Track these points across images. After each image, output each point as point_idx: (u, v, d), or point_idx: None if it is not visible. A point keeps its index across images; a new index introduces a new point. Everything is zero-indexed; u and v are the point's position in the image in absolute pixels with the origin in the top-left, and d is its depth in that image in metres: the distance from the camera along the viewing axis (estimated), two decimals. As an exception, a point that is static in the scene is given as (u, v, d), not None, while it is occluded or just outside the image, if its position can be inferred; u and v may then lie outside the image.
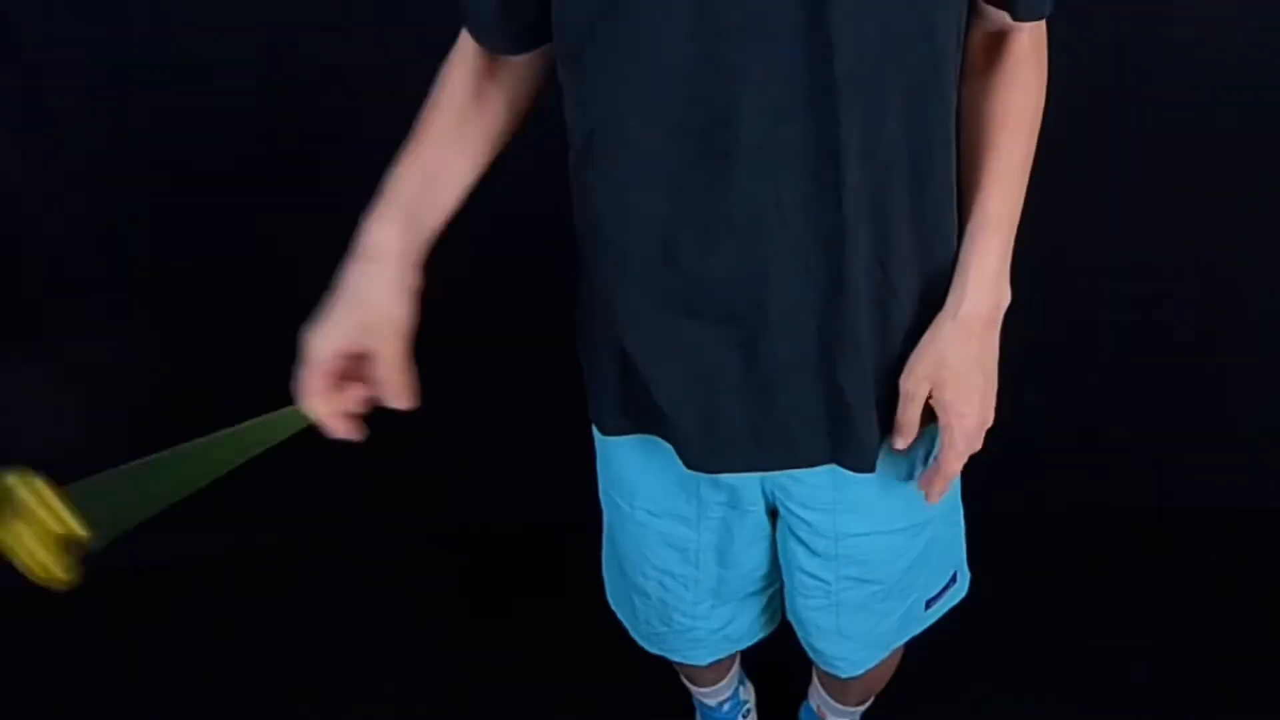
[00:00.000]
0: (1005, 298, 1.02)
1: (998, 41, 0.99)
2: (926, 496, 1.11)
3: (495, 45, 1.01)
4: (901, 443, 1.06)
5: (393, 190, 1.01)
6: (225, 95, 1.68)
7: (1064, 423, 1.99)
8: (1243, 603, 1.96)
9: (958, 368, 1.01)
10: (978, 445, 1.06)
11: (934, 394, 1.03)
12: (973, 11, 0.96)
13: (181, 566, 2.09)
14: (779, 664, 1.83)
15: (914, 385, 1.03)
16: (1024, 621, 1.95)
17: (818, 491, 1.15)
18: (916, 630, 1.35)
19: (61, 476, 2.26)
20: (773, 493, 1.19)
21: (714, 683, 1.68)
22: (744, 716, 1.80)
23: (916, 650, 1.57)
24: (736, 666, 1.72)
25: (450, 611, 2.07)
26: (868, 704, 1.68)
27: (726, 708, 1.75)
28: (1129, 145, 1.76)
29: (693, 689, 1.72)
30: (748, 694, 1.81)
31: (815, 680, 1.68)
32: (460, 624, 2.04)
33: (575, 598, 1.61)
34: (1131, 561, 2.04)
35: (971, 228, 1.00)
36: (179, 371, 1.94)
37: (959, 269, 1.01)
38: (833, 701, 1.66)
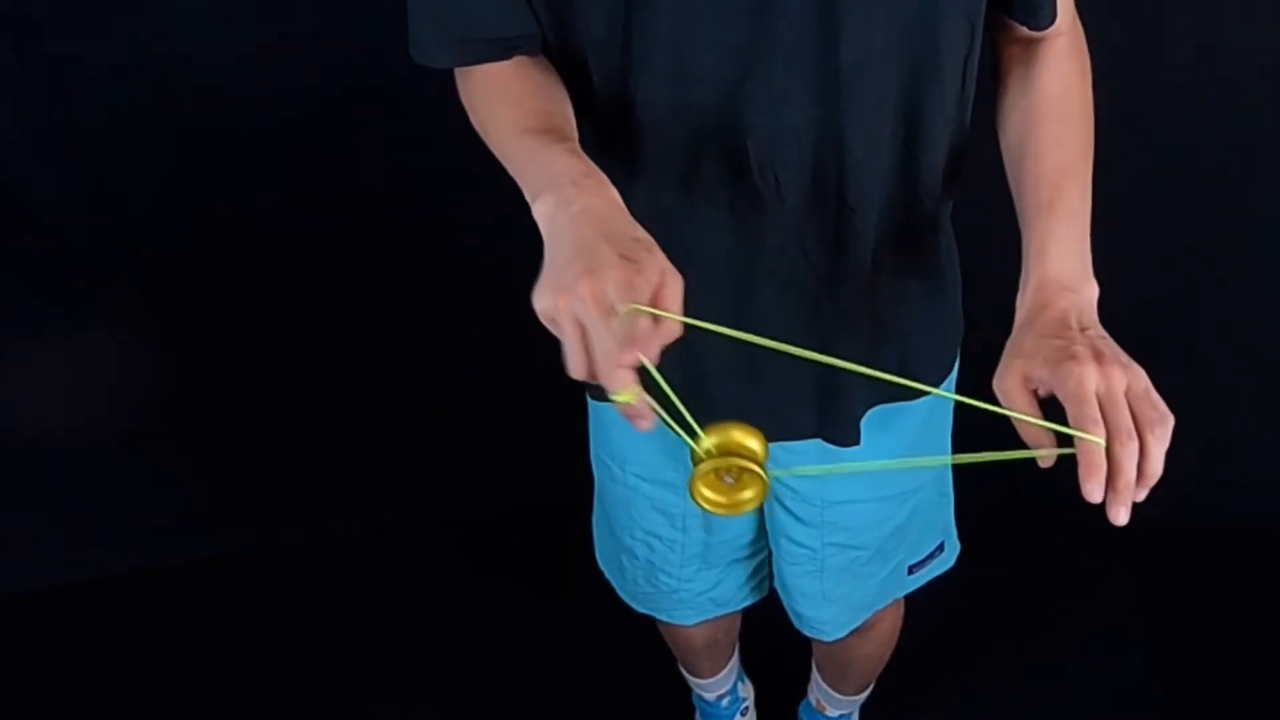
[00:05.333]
0: (1078, 278, 0.86)
1: (1031, 46, 0.98)
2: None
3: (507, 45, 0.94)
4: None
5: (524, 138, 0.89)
6: (232, 92, 1.72)
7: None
8: (1243, 611, 1.96)
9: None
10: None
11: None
12: (1001, 24, 0.97)
13: (180, 567, 2.11)
14: (778, 663, 1.84)
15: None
16: (1022, 616, 1.95)
17: (806, 459, 1.17)
18: (899, 594, 1.37)
19: (63, 470, 2.23)
20: None
21: (712, 674, 1.69)
22: (742, 714, 1.80)
23: (913, 642, 1.58)
24: (735, 661, 1.73)
25: (449, 604, 2.08)
26: (866, 693, 1.69)
27: (725, 703, 1.76)
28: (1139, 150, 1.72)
29: (691, 681, 1.73)
30: (746, 691, 1.81)
31: (814, 672, 1.69)
32: (459, 619, 2.05)
33: (576, 593, 1.62)
34: (1131, 562, 2.02)
35: (1025, 222, 0.90)
36: (182, 365, 1.98)
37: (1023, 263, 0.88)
38: (832, 691, 1.67)
